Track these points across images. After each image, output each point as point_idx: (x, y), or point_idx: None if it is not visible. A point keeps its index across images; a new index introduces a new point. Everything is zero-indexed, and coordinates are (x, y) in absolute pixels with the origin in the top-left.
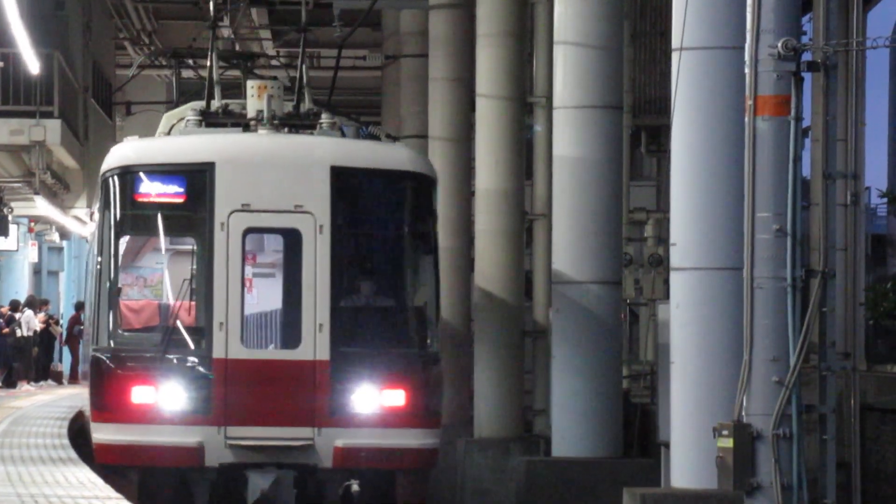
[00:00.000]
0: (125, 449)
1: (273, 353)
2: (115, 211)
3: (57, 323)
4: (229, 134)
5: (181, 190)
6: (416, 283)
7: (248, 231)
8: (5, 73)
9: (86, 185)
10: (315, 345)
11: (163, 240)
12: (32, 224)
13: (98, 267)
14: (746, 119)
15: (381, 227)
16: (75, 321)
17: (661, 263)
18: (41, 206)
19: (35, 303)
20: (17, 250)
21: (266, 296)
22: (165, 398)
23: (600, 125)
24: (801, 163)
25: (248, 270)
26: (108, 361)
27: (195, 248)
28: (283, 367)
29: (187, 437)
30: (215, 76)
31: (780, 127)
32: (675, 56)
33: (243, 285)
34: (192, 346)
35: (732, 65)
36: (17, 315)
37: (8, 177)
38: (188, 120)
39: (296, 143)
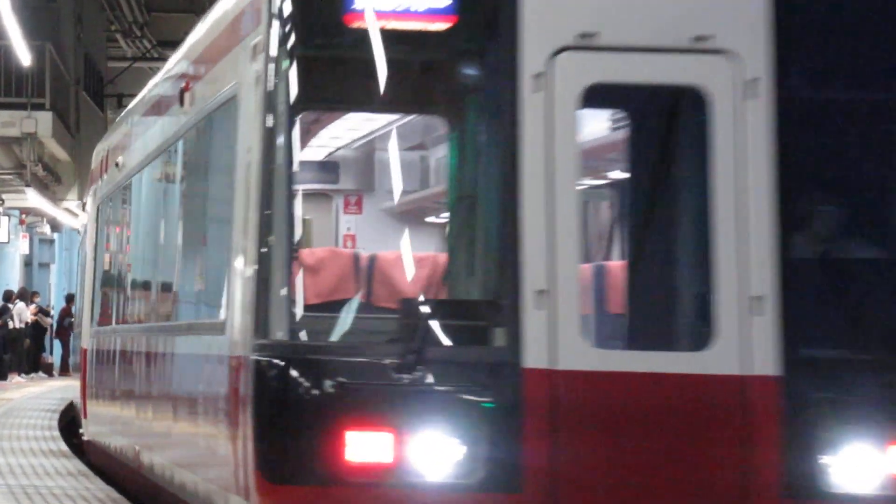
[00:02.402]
0: None
1: (655, 359)
2: (297, 54)
3: (47, 314)
4: None
5: (444, 4)
6: None
7: (594, 91)
8: None
9: (77, 177)
10: (747, 344)
11: (392, 113)
12: (24, 216)
13: (247, 178)
14: None
15: (884, 85)
16: (66, 313)
17: None
18: (32, 199)
19: (27, 295)
20: (7, 242)
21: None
22: (420, 454)
23: None
24: None
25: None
26: (293, 375)
27: (470, 130)
28: (678, 391)
29: None
30: None
31: None
32: None
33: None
34: (468, 344)
35: None
36: (11, 306)
37: None
38: None
39: None
